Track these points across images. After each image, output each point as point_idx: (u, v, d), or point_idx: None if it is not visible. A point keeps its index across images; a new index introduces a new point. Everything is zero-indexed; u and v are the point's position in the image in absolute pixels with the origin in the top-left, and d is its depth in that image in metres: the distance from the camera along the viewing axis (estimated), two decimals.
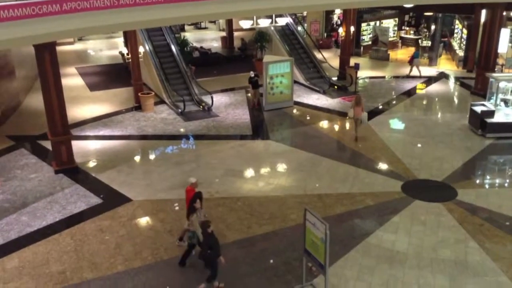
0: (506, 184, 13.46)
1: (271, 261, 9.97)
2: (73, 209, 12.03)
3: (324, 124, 18.22)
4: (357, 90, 21.61)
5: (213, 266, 8.94)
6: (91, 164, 14.70)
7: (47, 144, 14.99)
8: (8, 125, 17.99)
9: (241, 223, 11.31)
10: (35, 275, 9.54)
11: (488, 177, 14.19)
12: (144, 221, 11.59)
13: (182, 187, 13.00)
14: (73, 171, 13.94)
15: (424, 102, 21.07)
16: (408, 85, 23.00)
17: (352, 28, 24.35)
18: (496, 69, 20.83)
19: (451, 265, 9.69)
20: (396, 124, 18.13)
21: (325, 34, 33.26)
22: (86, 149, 15.78)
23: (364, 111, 16.26)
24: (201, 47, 29.36)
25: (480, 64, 20.83)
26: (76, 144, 15.09)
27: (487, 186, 13.45)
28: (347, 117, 17.37)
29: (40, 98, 14.11)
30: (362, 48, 29.54)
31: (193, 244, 9.67)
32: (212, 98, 19.86)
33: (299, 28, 28.44)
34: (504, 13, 20.74)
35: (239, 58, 28.86)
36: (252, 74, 19.70)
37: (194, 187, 10.30)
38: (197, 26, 41.86)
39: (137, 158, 15.29)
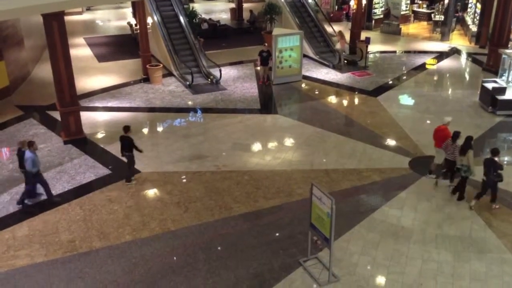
0: None
1: (277, 234, 10.07)
2: (81, 179, 12.17)
3: (333, 99, 18.11)
4: (366, 65, 21.40)
5: (494, 187, 10.65)
6: (100, 135, 14.78)
7: (56, 115, 15.07)
8: (17, 95, 18.07)
9: (247, 196, 11.39)
10: (45, 243, 9.73)
11: None
12: (151, 192, 11.71)
13: (189, 160, 13.15)
14: (82, 142, 14.05)
15: (435, 78, 20.80)
16: (419, 60, 22.69)
17: (364, 1, 23.90)
18: (509, 46, 20.45)
19: (455, 241, 9.74)
20: (406, 100, 17.97)
21: (336, 7, 32.70)
22: (95, 120, 15.85)
23: (346, 44, 21.78)
24: (210, 19, 29.01)
25: (493, 40, 20.45)
26: (84, 115, 15.15)
27: None
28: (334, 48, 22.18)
29: (48, 68, 14.10)
30: (373, 21, 29.06)
31: (467, 177, 10.82)
32: (220, 71, 19.73)
33: (310, 0, 27.95)
34: None
35: (248, 31, 28.57)
36: (264, 48, 19.26)
37: (448, 126, 11.59)
38: None
39: (145, 130, 15.34)
